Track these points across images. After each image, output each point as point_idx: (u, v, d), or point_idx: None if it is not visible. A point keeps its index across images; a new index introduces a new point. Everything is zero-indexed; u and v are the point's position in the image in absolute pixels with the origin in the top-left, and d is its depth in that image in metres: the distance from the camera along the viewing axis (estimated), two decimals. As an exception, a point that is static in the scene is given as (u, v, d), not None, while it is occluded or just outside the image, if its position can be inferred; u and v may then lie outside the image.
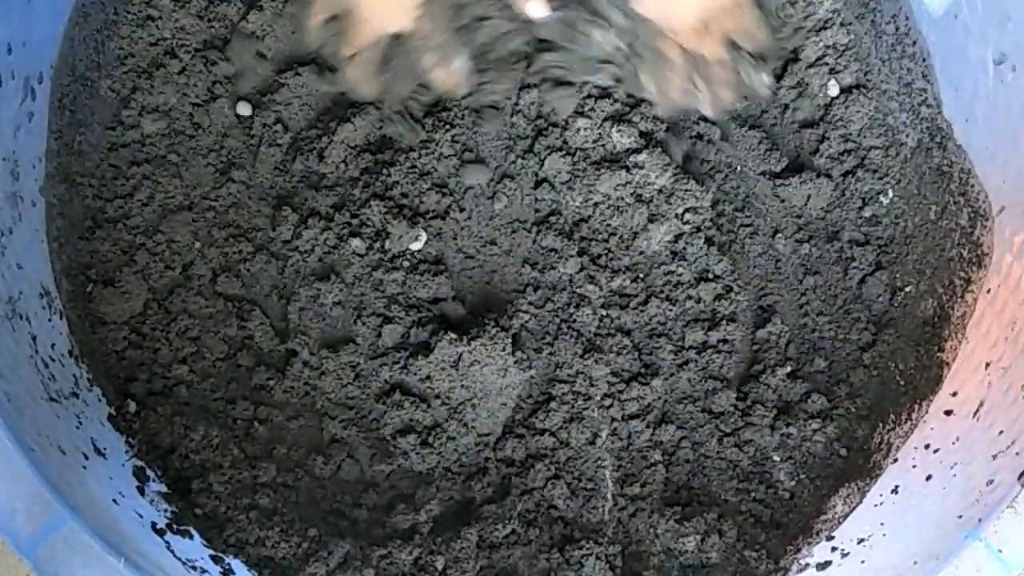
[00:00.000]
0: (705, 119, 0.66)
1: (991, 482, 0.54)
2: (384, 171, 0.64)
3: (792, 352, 0.65)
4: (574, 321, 0.64)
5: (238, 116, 0.64)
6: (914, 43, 0.65)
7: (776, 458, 0.63)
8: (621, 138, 0.64)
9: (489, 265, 0.65)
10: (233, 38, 0.65)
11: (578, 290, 0.64)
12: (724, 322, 0.64)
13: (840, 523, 0.62)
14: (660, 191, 0.64)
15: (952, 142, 0.64)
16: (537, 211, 0.65)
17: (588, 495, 0.62)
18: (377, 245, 0.64)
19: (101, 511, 0.52)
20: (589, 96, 0.64)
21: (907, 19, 0.65)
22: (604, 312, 0.64)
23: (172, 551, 0.55)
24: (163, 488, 0.60)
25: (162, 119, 0.64)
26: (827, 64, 0.67)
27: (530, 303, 0.64)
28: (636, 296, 0.64)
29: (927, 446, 0.61)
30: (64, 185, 0.62)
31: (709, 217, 0.65)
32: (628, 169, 0.64)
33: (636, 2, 0.60)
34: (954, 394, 0.61)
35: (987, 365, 0.59)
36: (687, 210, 0.65)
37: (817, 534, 0.62)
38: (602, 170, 0.64)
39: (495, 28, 0.61)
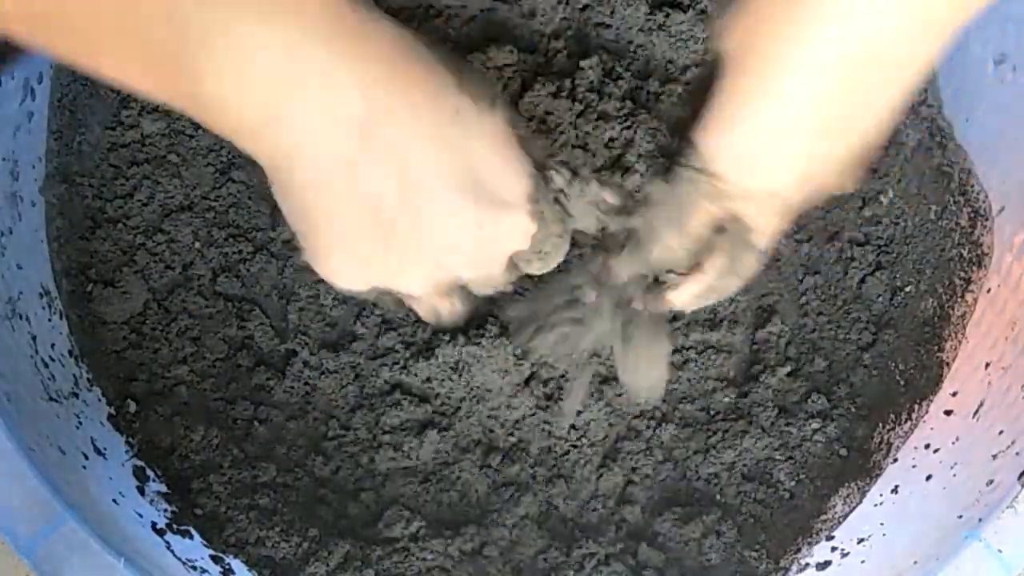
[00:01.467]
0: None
1: (991, 482, 0.54)
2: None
3: (792, 352, 0.65)
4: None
5: (238, 116, 0.64)
6: (914, 43, 0.65)
7: (776, 458, 0.64)
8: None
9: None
10: None
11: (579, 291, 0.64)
12: (724, 322, 0.64)
13: (840, 523, 0.62)
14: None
15: (952, 142, 0.64)
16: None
17: (588, 495, 0.62)
18: (377, 245, 0.64)
19: (101, 511, 0.52)
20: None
21: (907, 19, 0.65)
22: (604, 312, 0.64)
23: (172, 551, 0.55)
24: (163, 488, 0.60)
25: (162, 119, 0.64)
26: (827, 64, 0.67)
27: (531, 303, 0.64)
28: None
29: (927, 446, 0.61)
30: (64, 185, 0.62)
31: (709, 217, 0.65)
32: (628, 169, 0.64)
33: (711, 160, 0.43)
34: (954, 394, 0.61)
35: (987, 365, 0.59)
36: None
37: (817, 534, 0.62)
38: (603, 171, 0.64)
39: None
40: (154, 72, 0.33)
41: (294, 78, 0.34)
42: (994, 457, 0.55)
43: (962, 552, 0.51)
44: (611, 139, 0.63)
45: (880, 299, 0.66)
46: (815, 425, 0.64)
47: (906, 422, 0.63)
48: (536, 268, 0.47)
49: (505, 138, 0.41)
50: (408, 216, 0.38)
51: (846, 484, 0.63)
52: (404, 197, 0.37)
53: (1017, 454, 0.53)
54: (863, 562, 0.59)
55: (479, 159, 0.39)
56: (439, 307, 0.46)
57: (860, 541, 0.60)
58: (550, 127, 0.63)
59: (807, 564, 0.61)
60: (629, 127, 0.63)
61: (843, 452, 0.64)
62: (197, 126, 0.64)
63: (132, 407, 0.61)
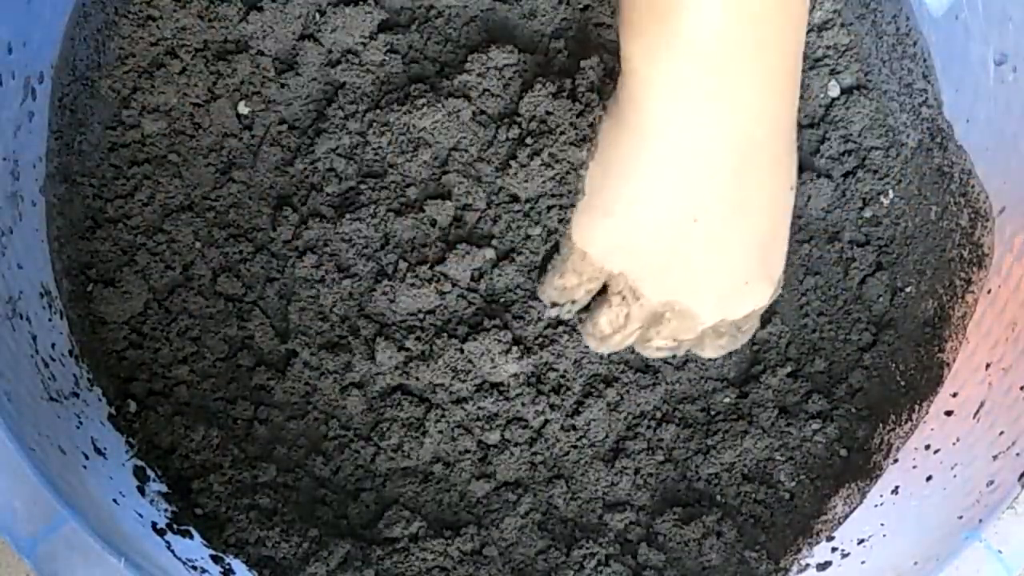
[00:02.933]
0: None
1: (991, 483, 0.54)
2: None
3: (792, 352, 0.65)
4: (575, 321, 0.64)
5: (239, 116, 0.64)
6: (915, 43, 0.65)
7: (776, 458, 0.64)
8: None
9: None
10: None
11: (578, 290, 0.64)
12: (724, 322, 0.64)
13: (840, 523, 0.62)
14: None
15: (952, 142, 0.64)
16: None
17: (588, 495, 0.62)
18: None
19: (101, 511, 0.52)
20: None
21: (908, 19, 0.65)
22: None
23: (172, 551, 0.55)
24: (163, 488, 0.60)
25: (162, 119, 0.64)
26: (827, 65, 0.67)
27: (531, 303, 0.64)
28: (636, 296, 0.64)
29: (927, 447, 0.61)
30: (64, 185, 0.62)
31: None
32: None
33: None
34: (954, 395, 0.61)
35: (988, 366, 0.59)
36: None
37: (817, 534, 0.62)
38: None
39: None
40: None
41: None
42: (994, 458, 0.55)
43: (962, 553, 0.51)
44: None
45: (880, 300, 0.66)
46: (815, 425, 0.64)
47: (906, 423, 0.63)
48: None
49: None
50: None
51: (846, 484, 0.63)
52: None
53: (1017, 455, 0.53)
54: (863, 563, 0.59)
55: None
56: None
57: (860, 542, 0.60)
58: (550, 127, 0.63)
59: (807, 564, 0.61)
60: (629, 127, 0.63)
61: (843, 452, 0.64)
62: (198, 126, 0.64)
63: (132, 407, 0.61)
